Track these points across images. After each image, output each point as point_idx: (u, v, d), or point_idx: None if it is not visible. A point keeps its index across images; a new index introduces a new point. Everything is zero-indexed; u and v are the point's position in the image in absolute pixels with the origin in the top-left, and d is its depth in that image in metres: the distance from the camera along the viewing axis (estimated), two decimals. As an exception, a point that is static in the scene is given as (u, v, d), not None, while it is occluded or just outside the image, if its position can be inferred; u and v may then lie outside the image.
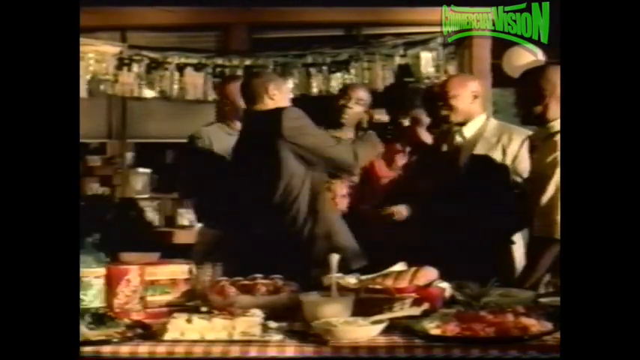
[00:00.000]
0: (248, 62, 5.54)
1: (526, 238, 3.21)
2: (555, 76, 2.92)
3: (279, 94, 3.64)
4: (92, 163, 5.75)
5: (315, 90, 5.59)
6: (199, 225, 4.78)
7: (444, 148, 3.67)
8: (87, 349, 2.11)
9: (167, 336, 2.21)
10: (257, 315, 2.36)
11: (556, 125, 2.94)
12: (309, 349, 2.13)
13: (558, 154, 2.80)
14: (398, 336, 2.20)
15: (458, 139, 3.62)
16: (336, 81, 5.54)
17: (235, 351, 2.13)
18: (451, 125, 3.62)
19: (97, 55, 5.54)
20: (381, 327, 2.22)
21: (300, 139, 3.45)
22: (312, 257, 3.33)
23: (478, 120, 3.61)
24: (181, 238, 5.23)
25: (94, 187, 5.66)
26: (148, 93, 5.63)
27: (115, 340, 2.17)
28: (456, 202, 3.41)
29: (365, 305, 2.39)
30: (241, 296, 2.53)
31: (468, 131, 3.61)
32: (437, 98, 3.67)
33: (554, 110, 2.94)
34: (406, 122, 3.90)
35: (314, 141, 3.48)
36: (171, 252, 3.31)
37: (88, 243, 2.46)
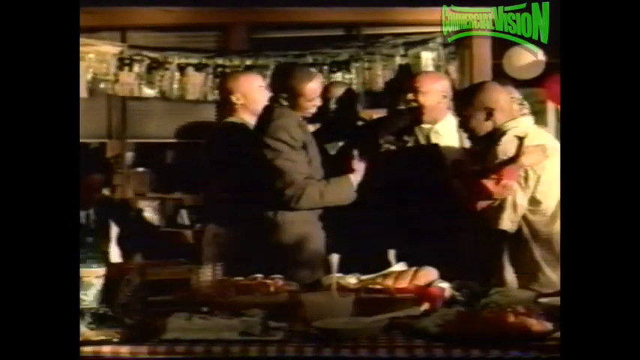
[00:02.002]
0: (248, 62, 5.53)
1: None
2: (493, 90, 3.25)
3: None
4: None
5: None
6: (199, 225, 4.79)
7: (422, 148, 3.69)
8: (87, 349, 2.11)
9: (167, 336, 2.21)
10: (257, 315, 2.36)
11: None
12: (309, 349, 2.13)
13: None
14: (398, 336, 2.20)
15: (434, 138, 3.63)
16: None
17: (235, 351, 2.13)
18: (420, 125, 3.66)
19: (97, 55, 5.54)
20: (381, 327, 2.22)
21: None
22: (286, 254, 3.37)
23: (450, 118, 3.64)
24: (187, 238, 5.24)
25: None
26: (148, 93, 5.63)
27: (115, 340, 2.17)
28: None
29: (365, 305, 2.39)
30: (241, 296, 2.53)
31: (443, 129, 3.62)
32: (406, 92, 3.70)
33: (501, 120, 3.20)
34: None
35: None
36: (172, 252, 3.32)
37: (88, 243, 2.46)
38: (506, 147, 3.13)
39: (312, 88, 3.53)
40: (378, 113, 4.81)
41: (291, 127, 3.45)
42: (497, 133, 3.18)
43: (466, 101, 3.31)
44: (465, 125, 3.32)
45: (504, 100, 3.25)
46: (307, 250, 3.45)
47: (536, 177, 3.09)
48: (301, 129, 3.52)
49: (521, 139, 3.12)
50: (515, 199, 3.08)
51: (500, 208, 3.09)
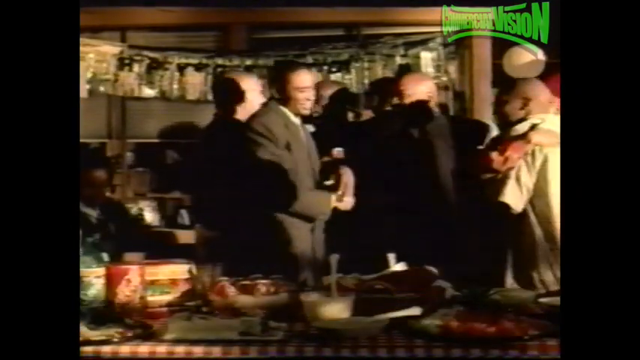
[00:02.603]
0: (248, 62, 5.54)
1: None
2: (537, 85, 3.37)
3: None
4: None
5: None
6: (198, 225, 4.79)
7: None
8: (87, 349, 2.11)
9: (167, 336, 2.21)
10: (257, 315, 2.36)
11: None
12: (309, 349, 2.13)
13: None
14: (398, 336, 2.20)
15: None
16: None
17: (235, 351, 2.13)
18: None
19: (97, 55, 5.54)
20: (381, 327, 2.22)
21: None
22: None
23: (440, 118, 3.66)
24: (182, 238, 5.23)
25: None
26: (148, 93, 5.63)
27: (115, 340, 2.17)
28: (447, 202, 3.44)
29: (365, 305, 2.39)
30: (241, 296, 2.53)
31: (432, 130, 3.64)
32: (392, 95, 3.72)
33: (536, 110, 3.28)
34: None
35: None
36: (172, 252, 3.31)
37: (88, 243, 2.46)
38: (519, 128, 3.21)
39: (300, 77, 3.58)
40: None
41: (272, 123, 3.52)
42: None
43: (508, 87, 3.42)
44: (498, 109, 3.40)
45: (544, 96, 3.33)
46: (294, 252, 3.45)
47: (542, 157, 3.12)
48: (286, 128, 3.52)
49: (534, 124, 3.18)
50: (520, 174, 3.11)
51: (502, 181, 3.11)
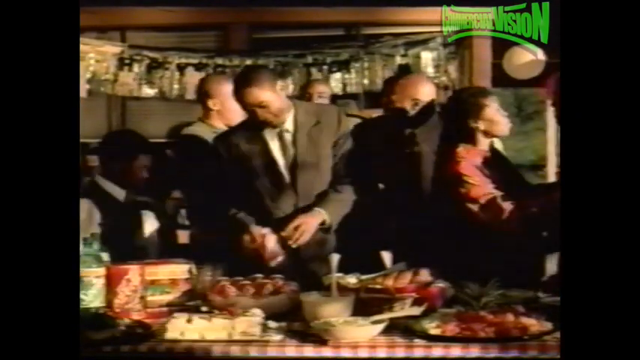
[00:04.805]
0: (248, 62, 5.54)
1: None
2: None
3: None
4: (92, 162, 5.74)
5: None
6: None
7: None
8: (87, 350, 2.11)
9: (167, 336, 2.21)
10: (257, 315, 2.36)
11: None
12: (309, 349, 2.13)
13: None
14: (398, 336, 2.20)
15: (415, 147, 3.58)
16: (336, 81, 5.55)
17: (235, 351, 2.14)
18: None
19: (97, 55, 5.55)
20: (380, 327, 2.22)
21: None
22: None
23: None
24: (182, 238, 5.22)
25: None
26: (148, 92, 5.64)
27: (115, 340, 2.17)
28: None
29: (365, 305, 2.39)
30: (241, 296, 2.53)
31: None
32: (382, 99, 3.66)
33: None
34: None
35: None
36: (171, 252, 3.31)
37: (88, 243, 2.47)
38: None
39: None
40: (378, 113, 4.81)
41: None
42: None
43: None
44: None
45: None
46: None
47: None
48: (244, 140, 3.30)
49: None
50: None
51: None
